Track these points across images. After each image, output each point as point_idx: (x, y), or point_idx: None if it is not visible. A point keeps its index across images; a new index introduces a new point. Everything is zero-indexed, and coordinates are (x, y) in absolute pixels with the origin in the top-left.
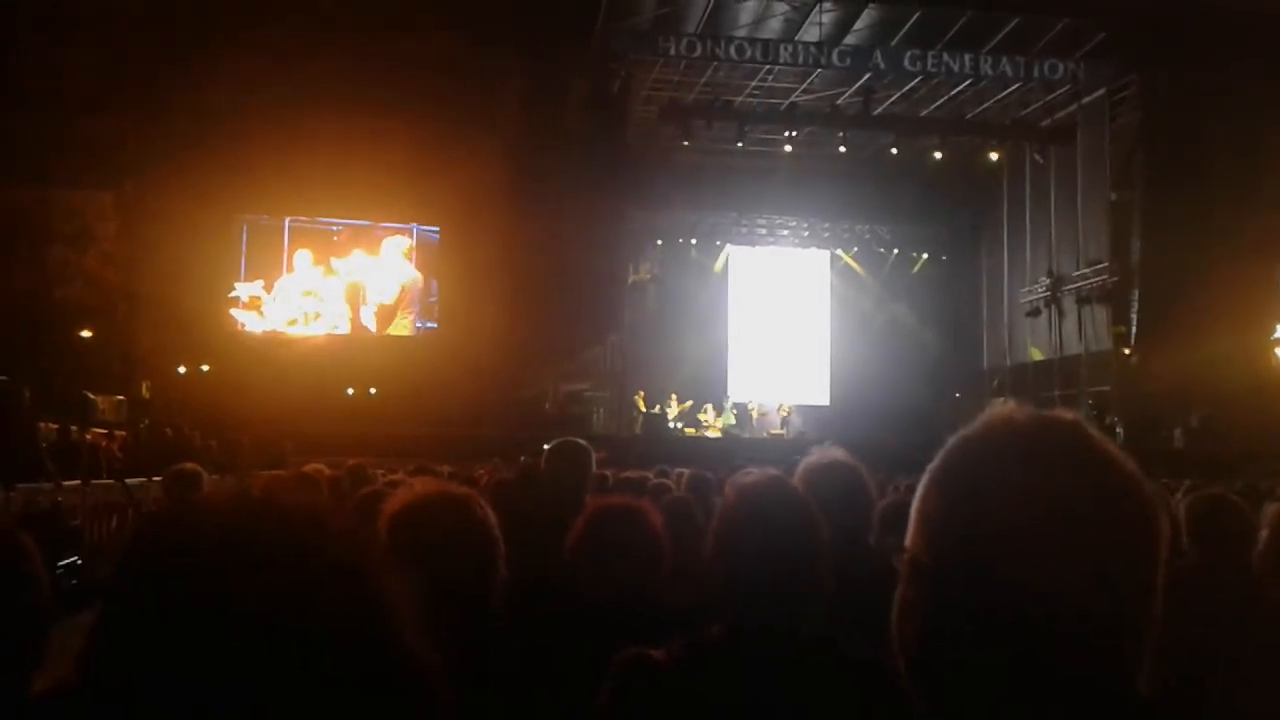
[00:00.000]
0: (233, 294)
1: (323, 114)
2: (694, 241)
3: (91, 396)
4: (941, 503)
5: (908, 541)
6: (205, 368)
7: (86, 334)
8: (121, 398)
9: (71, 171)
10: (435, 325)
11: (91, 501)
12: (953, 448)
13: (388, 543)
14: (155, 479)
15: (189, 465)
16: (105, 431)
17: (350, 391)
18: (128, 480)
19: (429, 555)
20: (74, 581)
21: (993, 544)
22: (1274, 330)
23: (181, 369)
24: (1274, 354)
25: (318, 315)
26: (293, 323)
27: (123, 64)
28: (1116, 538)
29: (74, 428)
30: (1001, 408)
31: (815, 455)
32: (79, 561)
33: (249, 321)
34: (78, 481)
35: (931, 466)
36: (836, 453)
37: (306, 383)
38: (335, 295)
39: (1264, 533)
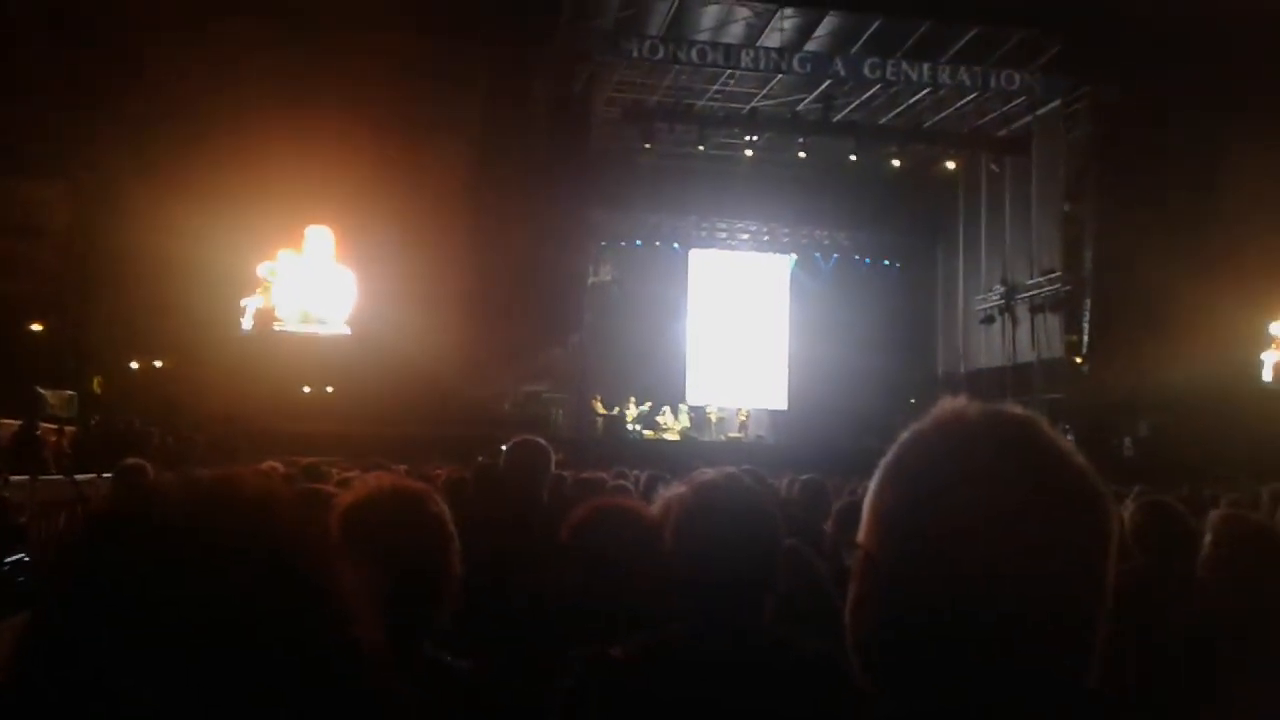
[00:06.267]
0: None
1: (283, 111)
2: (655, 244)
3: (41, 391)
4: (894, 497)
5: (861, 536)
6: (158, 363)
7: (37, 327)
8: (72, 393)
9: (21, 160)
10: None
11: (39, 497)
12: (905, 442)
13: (341, 536)
14: (105, 475)
15: (133, 460)
16: (55, 427)
17: (307, 390)
18: (77, 476)
19: (382, 549)
20: (20, 579)
21: (945, 537)
22: (1224, 340)
23: (134, 364)
24: (1223, 363)
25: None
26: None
27: (80, 53)
28: (1067, 530)
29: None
30: (952, 402)
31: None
32: (26, 558)
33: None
34: (25, 477)
35: (884, 461)
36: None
37: (263, 380)
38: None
39: (1208, 538)
